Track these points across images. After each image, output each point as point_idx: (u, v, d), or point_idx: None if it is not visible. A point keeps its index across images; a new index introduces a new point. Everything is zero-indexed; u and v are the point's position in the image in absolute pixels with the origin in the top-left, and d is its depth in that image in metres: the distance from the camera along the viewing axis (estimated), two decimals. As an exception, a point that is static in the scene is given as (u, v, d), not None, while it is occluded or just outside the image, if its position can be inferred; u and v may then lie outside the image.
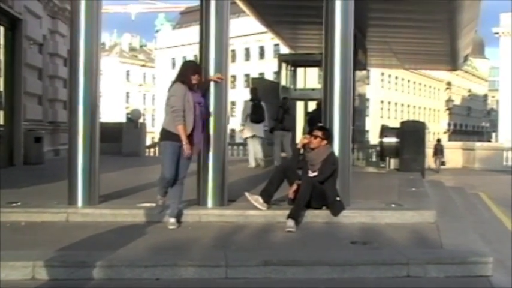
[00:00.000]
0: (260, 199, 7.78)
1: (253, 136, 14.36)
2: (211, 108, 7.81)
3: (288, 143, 14.89)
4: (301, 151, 8.05)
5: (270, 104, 19.27)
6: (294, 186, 7.64)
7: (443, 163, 27.02)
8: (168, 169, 7.11)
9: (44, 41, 17.19)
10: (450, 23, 16.86)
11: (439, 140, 30.10)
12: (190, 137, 7.11)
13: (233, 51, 64.51)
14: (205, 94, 7.64)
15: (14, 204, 7.89)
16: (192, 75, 7.18)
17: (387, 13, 16.41)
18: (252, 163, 14.46)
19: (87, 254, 5.85)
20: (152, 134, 59.84)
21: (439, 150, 27.19)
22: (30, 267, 5.43)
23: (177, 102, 7.08)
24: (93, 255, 5.73)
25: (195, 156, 7.51)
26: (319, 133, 7.94)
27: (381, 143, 15.70)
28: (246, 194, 7.94)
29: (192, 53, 62.90)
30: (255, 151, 14.50)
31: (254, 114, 14.13)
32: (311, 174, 7.82)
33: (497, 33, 57.35)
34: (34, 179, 10.99)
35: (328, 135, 7.98)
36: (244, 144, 28.45)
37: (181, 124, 7.02)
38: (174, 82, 7.27)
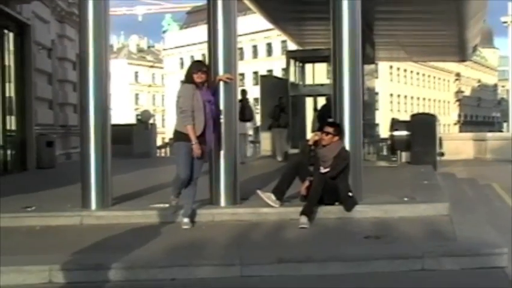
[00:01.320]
0: (272, 196, 7.79)
1: (240, 134, 14.70)
2: (221, 107, 7.83)
3: (285, 138, 16.46)
4: (313, 147, 8.04)
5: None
6: (306, 183, 7.64)
7: (442, 154, 26.71)
8: (183, 170, 7.13)
9: (52, 46, 17.28)
10: (458, 13, 16.79)
11: None
12: (202, 136, 7.13)
13: (240, 49, 64.46)
14: (214, 93, 7.66)
15: (29, 209, 7.96)
16: (195, 74, 7.18)
17: (394, 6, 16.37)
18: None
19: (103, 256, 5.90)
20: (163, 134, 59.99)
21: None
22: (47, 271, 5.47)
23: (184, 102, 7.11)
24: (109, 257, 5.77)
25: (207, 156, 7.54)
26: (330, 129, 7.93)
27: (391, 136, 15.65)
28: (258, 191, 7.95)
29: (200, 52, 62.99)
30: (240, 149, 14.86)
31: (241, 114, 14.46)
32: (323, 170, 7.82)
33: (505, 22, 56.93)
34: (47, 183, 11.05)
35: (339, 131, 7.98)
36: (254, 141, 28.54)
37: (190, 124, 7.04)
38: (182, 82, 7.33)
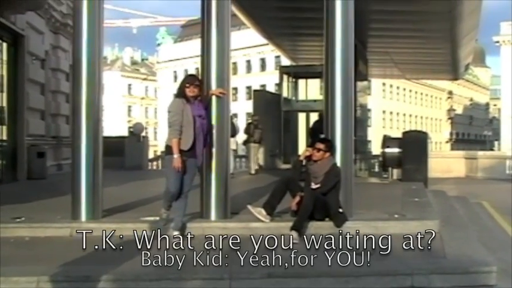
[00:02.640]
0: (263, 211, 7.79)
1: None
2: (213, 121, 7.84)
3: (262, 152, 18.16)
4: (304, 163, 8.05)
5: (271, 116, 19.41)
6: (297, 198, 7.65)
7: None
8: (173, 183, 7.13)
9: (46, 57, 17.27)
10: (451, 32, 16.91)
11: None
12: (191, 150, 7.13)
13: (234, 63, 64.67)
14: (207, 107, 7.66)
15: (18, 220, 7.92)
16: (187, 87, 7.19)
17: (388, 23, 16.47)
18: None
19: (92, 268, 5.87)
20: (155, 147, 59.95)
21: None
22: (35, 283, 5.45)
23: (173, 117, 7.12)
24: (98, 269, 5.75)
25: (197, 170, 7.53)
26: (321, 146, 7.95)
27: (383, 153, 15.72)
28: (249, 206, 7.94)
29: (193, 66, 63.10)
30: None
31: None
32: (314, 186, 7.83)
33: (497, 41, 57.38)
34: (37, 194, 11.00)
35: (330, 147, 8.00)
36: (247, 156, 28.55)
37: (176, 138, 7.06)
38: (174, 97, 7.35)
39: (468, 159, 29.69)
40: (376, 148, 23.16)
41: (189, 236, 7.43)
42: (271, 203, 7.86)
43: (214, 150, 7.89)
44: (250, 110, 22.63)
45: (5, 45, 14.48)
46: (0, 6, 13.56)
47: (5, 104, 14.43)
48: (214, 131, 7.84)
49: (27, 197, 10.45)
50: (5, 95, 14.44)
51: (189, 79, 7.42)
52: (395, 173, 15.72)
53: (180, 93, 7.22)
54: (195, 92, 7.23)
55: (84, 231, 7.55)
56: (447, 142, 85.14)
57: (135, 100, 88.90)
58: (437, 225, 7.90)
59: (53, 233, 7.57)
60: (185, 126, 7.09)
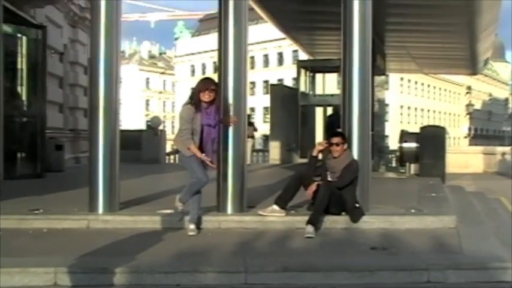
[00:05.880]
0: (276, 207, 7.77)
1: None
2: (231, 114, 7.84)
3: (249, 148, 17.88)
4: (319, 157, 8.02)
5: (288, 110, 19.41)
6: (313, 187, 7.62)
7: None
8: (201, 172, 7.13)
9: (64, 50, 17.39)
10: (469, 26, 16.74)
11: None
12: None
13: (252, 57, 64.71)
14: (218, 111, 7.45)
15: (36, 212, 7.99)
16: (202, 92, 7.07)
17: (405, 18, 16.35)
18: None
19: (108, 260, 5.91)
20: (172, 141, 60.13)
21: None
22: (52, 274, 5.50)
23: (183, 125, 7.11)
24: (114, 261, 5.78)
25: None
26: (337, 139, 7.89)
27: (400, 148, 15.63)
28: (259, 212, 7.89)
29: (211, 60, 63.27)
30: None
31: None
32: (330, 179, 7.81)
33: (518, 36, 56.75)
34: (55, 187, 11.10)
35: (345, 137, 7.98)
36: (264, 150, 28.62)
37: (191, 144, 7.05)
38: (187, 101, 7.25)
39: (486, 154, 29.46)
40: (393, 143, 23.00)
41: (204, 229, 7.49)
42: (283, 197, 7.84)
43: (231, 144, 7.90)
44: (268, 104, 22.63)
45: (24, 39, 14.55)
46: (20, 0, 13.66)
47: (24, 97, 14.50)
48: (231, 126, 7.84)
49: (45, 190, 10.53)
50: (24, 88, 14.52)
51: (204, 83, 7.22)
52: (413, 168, 15.63)
53: (194, 98, 7.11)
54: (211, 96, 7.11)
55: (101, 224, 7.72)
56: (465, 137, 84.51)
57: (152, 94, 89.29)
58: (454, 221, 7.86)
59: (70, 225, 7.63)
60: (193, 134, 7.08)
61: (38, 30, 13.90)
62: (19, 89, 14.09)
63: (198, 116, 7.08)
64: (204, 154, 7.08)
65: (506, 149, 29.90)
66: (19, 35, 13.93)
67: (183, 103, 7.37)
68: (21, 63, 14.13)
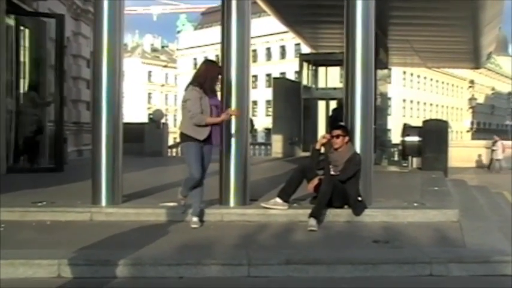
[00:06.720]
0: (278, 200, 7.79)
1: None
2: (233, 107, 7.83)
3: None
4: (322, 150, 8.02)
5: (291, 104, 19.41)
6: (315, 181, 7.64)
7: None
8: (196, 169, 7.11)
9: (67, 43, 17.36)
10: (473, 20, 16.70)
11: None
12: (208, 139, 7.14)
13: (254, 51, 64.56)
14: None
15: (40, 204, 8.01)
16: (216, 78, 7.19)
17: (408, 11, 16.33)
18: None
19: (111, 252, 5.93)
20: (174, 134, 59.99)
21: None
22: (56, 266, 5.52)
23: (193, 106, 7.04)
24: (117, 253, 5.80)
25: (214, 156, 7.54)
26: (338, 131, 7.89)
27: (403, 141, 15.63)
28: (263, 204, 7.90)
29: (213, 53, 63.09)
30: None
31: None
32: (333, 172, 7.81)
33: (521, 30, 56.61)
34: (59, 179, 11.12)
35: (348, 130, 7.98)
36: (266, 143, 28.66)
37: (206, 120, 7.04)
38: (190, 84, 7.23)
39: (489, 148, 29.47)
40: (396, 137, 23.00)
41: (207, 222, 7.50)
42: (286, 190, 7.85)
43: (233, 136, 7.90)
44: (270, 97, 22.60)
45: (27, 31, 14.55)
46: (23, -7, 13.65)
47: (26, 90, 14.50)
48: (233, 119, 7.84)
49: (48, 182, 10.55)
50: (26, 81, 14.52)
51: (218, 69, 7.37)
52: (415, 161, 15.63)
53: (201, 81, 7.11)
54: (219, 81, 7.24)
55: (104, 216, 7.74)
56: (468, 131, 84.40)
57: (155, 87, 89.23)
58: (457, 215, 7.87)
59: (73, 217, 7.65)
60: (203, 115, 7.08)
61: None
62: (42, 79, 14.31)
63: (206, 98, 7.10)
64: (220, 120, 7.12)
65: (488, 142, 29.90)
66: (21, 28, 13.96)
67: (186, 85, 7.30)
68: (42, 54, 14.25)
